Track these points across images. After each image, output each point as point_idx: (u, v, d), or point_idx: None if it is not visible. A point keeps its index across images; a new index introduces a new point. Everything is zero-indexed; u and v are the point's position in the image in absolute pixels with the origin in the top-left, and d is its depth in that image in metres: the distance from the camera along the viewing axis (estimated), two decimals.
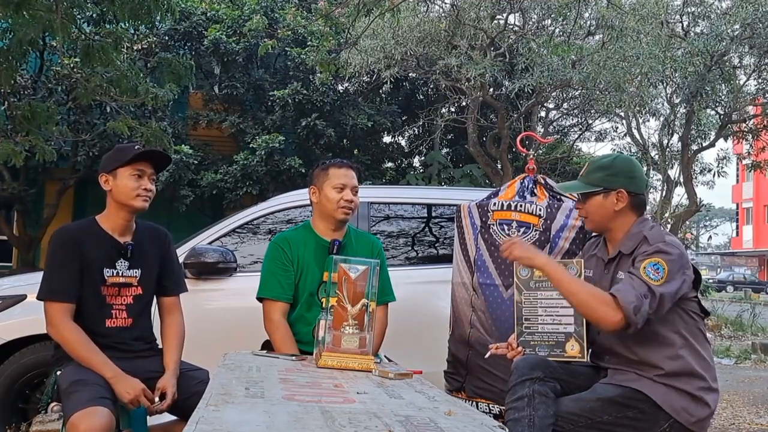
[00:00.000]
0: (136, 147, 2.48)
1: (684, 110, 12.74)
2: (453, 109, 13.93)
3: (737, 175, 38.46)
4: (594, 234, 2.58)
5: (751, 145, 13.94)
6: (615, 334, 2.21)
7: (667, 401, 2.16)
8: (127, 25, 7.07)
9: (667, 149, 14.79)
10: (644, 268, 2.14)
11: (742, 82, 11.88)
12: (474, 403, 2.84)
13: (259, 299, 2.75)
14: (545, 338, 2.36)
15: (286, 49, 11.74)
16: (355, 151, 13.61)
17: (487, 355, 2.53)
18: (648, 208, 2.53)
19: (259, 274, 2.79)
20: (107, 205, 2.49)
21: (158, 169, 2.55)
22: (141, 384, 2.29)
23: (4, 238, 11.69)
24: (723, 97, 11.84)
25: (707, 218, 50.59)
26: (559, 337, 2.35)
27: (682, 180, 13.00)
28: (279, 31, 11.77)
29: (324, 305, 2.25)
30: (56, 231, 2.47)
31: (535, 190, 2.97)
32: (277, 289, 2.70)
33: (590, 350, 2.39)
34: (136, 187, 2.43)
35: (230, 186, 11.43)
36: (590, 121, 15.29)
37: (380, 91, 13.38)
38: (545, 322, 2.37)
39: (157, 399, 2.35)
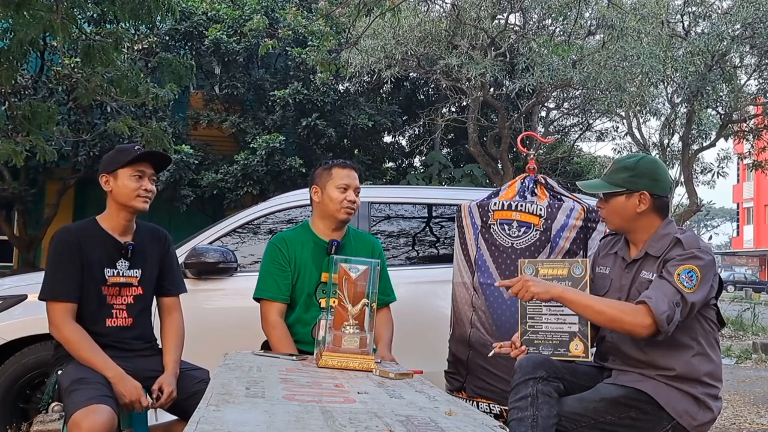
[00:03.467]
0: (136, 148, 2.49)
1: (685, 110, 12.74)
2: (453, 109, 13.92)
3: (738, 175, 38.47)
4: (612, 232, 2.53)
5: (752, 145, 13.94)
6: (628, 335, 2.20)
7: (670, 403, 2.15)
8: (127, 25, 7.07)
9: (668, 149, 14.81)
10: (678, 274, 2.10)
11: (742, 82, 11.89)
12: (474, 402, 2.84)
13: (257, 299, 2.74)
14: (549, 337, 2.35)
15: (287, 49, 11.74)
16: (356, 151, 13.60)
17: (490, 354, 2.51)
18: None
19: None
20: (107, 206, 2.50)
21: (158, 169, 2.56)
22: (140, 388, 2.29)
23: (5, 238, 11.70)
24: (724, 96, 11.83)
25: (708, 218, 50.58)
26: (563, 337, 2.34)
27: (682, 180, 13.01)
28: (279, 30, 11.75)
29: (323, 306, 2.24)
30: (57, 231, 2.48)
31: (536, 190, 2.96)
32: (274, 289, 2.70)
33: (594, 350, 2.38)
34: (137, 188, 2.44)
35: (231, 186, 11.43)
36: (591, 121, 15.28)
37: (381, 91, 13.36)
38: (549, 321, 2.36)
39: (154, 396, 2.35)
